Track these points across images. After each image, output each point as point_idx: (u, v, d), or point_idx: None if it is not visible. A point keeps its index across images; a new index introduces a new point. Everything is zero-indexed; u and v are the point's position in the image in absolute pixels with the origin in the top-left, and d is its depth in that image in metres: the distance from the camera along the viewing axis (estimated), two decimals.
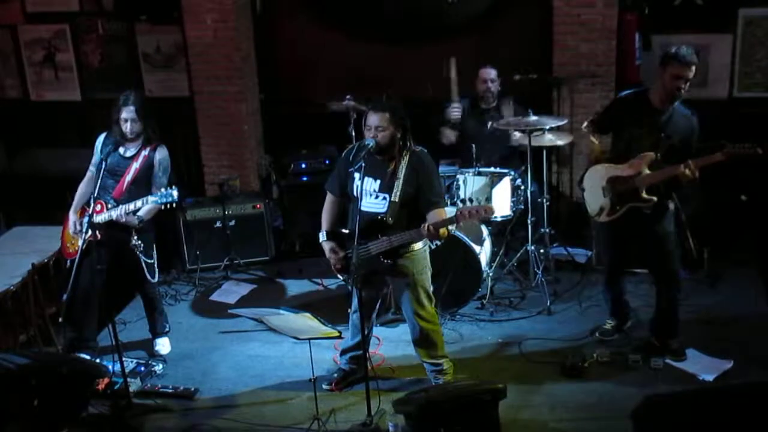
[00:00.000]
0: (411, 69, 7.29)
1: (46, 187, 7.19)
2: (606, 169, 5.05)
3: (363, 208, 4.49)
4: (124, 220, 5.02)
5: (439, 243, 5.54)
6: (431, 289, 4.81)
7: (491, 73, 6.49)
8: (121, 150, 5.16)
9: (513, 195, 6.09)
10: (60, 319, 5.04)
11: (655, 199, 4.89)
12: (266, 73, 7.69)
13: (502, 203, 6.02)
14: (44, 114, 7.82)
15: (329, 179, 4.88)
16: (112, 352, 4.78)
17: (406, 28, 7.27)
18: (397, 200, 4.51)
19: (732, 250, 6.33)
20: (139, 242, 5.17)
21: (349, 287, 4.84)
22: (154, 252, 5.36)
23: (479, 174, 6.00)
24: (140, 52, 7.53)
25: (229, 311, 5.30)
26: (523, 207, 6.12)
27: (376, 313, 5.13)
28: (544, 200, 6.15)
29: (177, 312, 6.14)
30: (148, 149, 5.18)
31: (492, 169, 6.10)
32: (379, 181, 4.57)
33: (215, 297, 6.41)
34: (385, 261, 4.56)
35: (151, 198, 4.92)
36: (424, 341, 4.82)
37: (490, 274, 6.01)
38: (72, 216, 5.25)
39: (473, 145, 6.19)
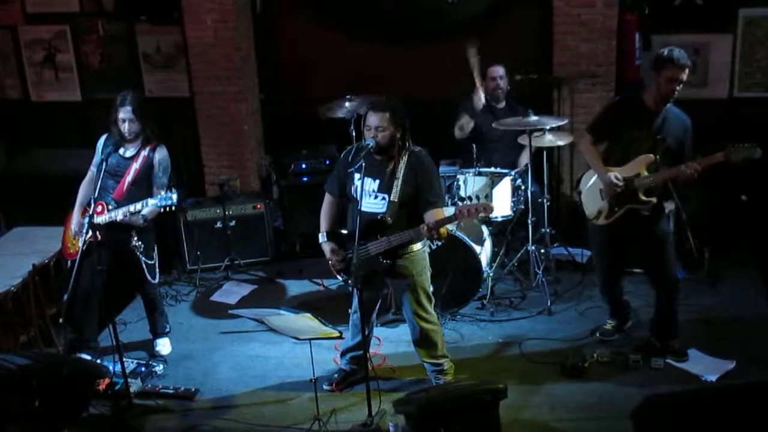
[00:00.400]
0: (411, 69, 7.30)
1: (47, 188, 7.19)
2: None
3: (363, 209, 4.49)
4: (128, 220, 5.02)
5: (439, 243, 5.55)
6: (431, 289, 4.81)
7: (500, 70, 6.49)
8: (121, 150, 5.16)
9: (513, 195, 6.09)
10: (60, 320, 5.04)
11: (654, 200, 4.89)
12: (266, 73, 7.70)
13: (502, 203, 6.02)
14: (44, 114, 7.82)
15: (328, 180, 4.88)
16: (113, 352, 4.78)
17: (406, 28, 7.27)
18: (396, 200, 4.51)
19: (732, 250, 6.33)
20: (140, 243, 5.17)
21: (350, 288, 4.84)
22: (155, 253, 5.36)
23: (479, 174, 6.00)
24: (140, 53, 7.53)
25: (230, 312, 5.31)
26: (523, 207, 6.12)
27: (376, 314, 5.13)
28: (545, 200, 6.15)
29: (177, 312, 6.14)
30: (147, 149, 5.18)
31: (492, 169, 6.10)
32: (378, 181, 4.57)
33: (216, 297, 6.41)
34: (384, 261, 4.56)
35: (150, 201, 4.92)
36: (425, 341, 4.82)
37: (491, 274, 6.02)
38: (75, 216, 5.25)
39: (474, 145, 6.19)
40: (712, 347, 5.19)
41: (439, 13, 7.14)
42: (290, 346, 5.39)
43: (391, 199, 4.52)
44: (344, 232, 4.73)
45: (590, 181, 5.16)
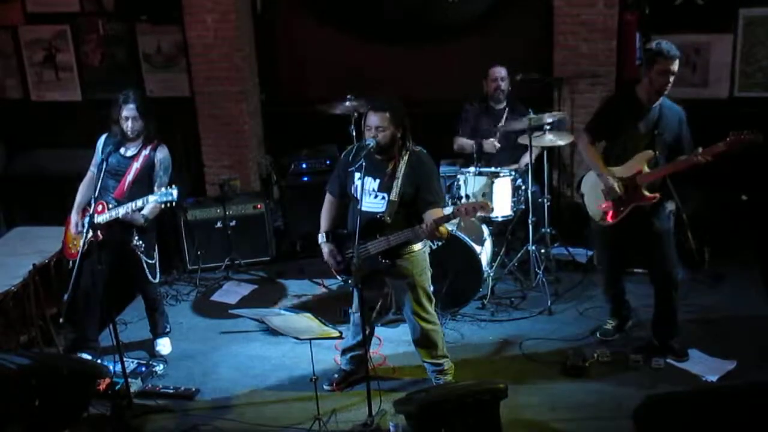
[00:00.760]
0: (411, 69, 7.29)
1: (47, 188, 7.19)
2: None
3: (363, 208, 4.49)
4: (129, 217, 5.02)
5: (440, 243, 5.55)
6: (431, 289, 4.80)
7: (501, 71, 6.47)
8: (122, 150, 5.16)
9: (514, 195, 6.09)
10: (61, 320, 5.02)
11: (658, 195, 4.89)
12: (267, 73, 7.70)
13: (502, 203, 6.02)
14: (45, 114, 7.82)
15: (330, 180, 4.88)
16: (113, 352, 4.79)
17: (406, 28, 7.27)
18: (395, 199, 4.51)
19: (733, 250, 6.33)
20: (141, 243, 5.17)
21: (350, 288, 4.83)
22: (156, 252, 5.36)
23: (480, 174, 6.00)
24: (141, 53, 7.52)
25: (230, 311, 5.30)
26: (523, 207, 6.12)
27: (377, 315, 5.13)
28: (545, 200, 6.15)
29: (178, 312, 6.14)
30: (148, 149, 5.18)
31: (492, 168, 6.10)
32: (378, 181, 4.57)
33: (216, 297, 6.41)
34: (384, 261, 4.56)
35: (151, 197, 4.91)
36: (425, 341, 4.82)
37: (491, 274, 6.01)
38: (74, 216, 5.25)
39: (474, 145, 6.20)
40: (712, 347, 5.19)
41: (439, 12, 7.14)
42: (290, 346, 5.39)
43: (391, 198, 4.52)
44: (344, 231, 4.73)
45: (591, 182, 5.15)
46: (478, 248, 5.73)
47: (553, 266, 6.31)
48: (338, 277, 4.84)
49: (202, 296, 6.45)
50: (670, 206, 5.73)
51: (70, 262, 5.30)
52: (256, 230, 6.89)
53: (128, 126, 5.09)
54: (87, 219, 4.85)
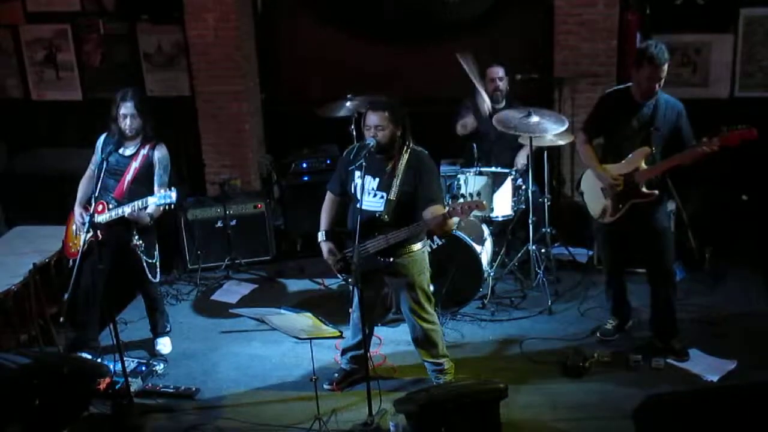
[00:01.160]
0: (411, 68, 7.29)
1: (47, 187, 7.18)
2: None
3: (362, 207, 4.49)
4: (136, 215, 5.01)
5: (440, 242, 5.55)
6: (431, 289, 4.81)
7: (499, 71, 6.46)
8: (121, 149, 5.15)
9: (514, 195, 6.09)
10: (61, 319, 5.04)
11: (656, 192, 4.89)
12: (267, 72, 7.70)
13: (503, 203, 6.02)
14: (45, 113, 7.83)
15: (331, 179, 4.88)
16: (114, 351, 4.78)
17: (407, 27, 7.27)
18: (394, 198, 4.52)
19: (733, 250, 6.33)
20: (141, 242, 5.18)
21: (350, 286, 4.84)
22: (156, 252, 5.36)
23: (480, 174, 6.00)
24: (141, 52, 7.52)
25: (230, 311, 5.29)
26: (524, 207, 6.12)
27: (376, 315, 5.13)
28: (545, 200, 6.14)
29: (178, 311, 6.14)
30: (147, 148, 5.18)
31: (493, 168, 6.10)
32: (377, 180, 4.58)
33: (216, 297, 6.41)
34: (383, 260, 4.56)
35: (150, 199, 4.92)
36: (425, 341, 4.82)
37: (491, 274, 6.02)
38: (77, 209, 5.24)
39: (474, 145, 6.18)
40: (713, 347, 5.19)
41: (439, 12, 7.14)
42: (290, 346, 5.39)
43: (389, 197, 4.53)
44: (344, 230, 4.73)
45: (590, 181, 5.16)
46: (478, 248, 5.73)
47: (554, 266, 6.31)
48: (338, 275, 4.84)
49: (203, 295, 6.45)
50: (671, 206, 5.74)
51: (71, 261, 5.30)
52: (257, 230, 6.89)
53: (126, 124, 5.09)
54: (87, 218, 4.86)
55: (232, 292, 6.47)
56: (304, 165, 7.07)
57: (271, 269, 6.81)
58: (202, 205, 6.89)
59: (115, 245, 5.14)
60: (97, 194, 4.85)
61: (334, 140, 7.12)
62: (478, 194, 5.91)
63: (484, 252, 5.84)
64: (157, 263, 5.37)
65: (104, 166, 4.92)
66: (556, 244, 6.49)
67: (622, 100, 4.92)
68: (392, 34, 7.30)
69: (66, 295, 4.98)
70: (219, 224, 6.79)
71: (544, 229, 6.20)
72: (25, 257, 5.54)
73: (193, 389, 5.07)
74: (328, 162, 6.98)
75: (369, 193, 4.58)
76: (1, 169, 7.75)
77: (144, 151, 5.17)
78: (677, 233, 6.07)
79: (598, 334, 5.46)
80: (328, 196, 4.86)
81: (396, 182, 4.52)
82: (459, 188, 5.98)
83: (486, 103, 6.32)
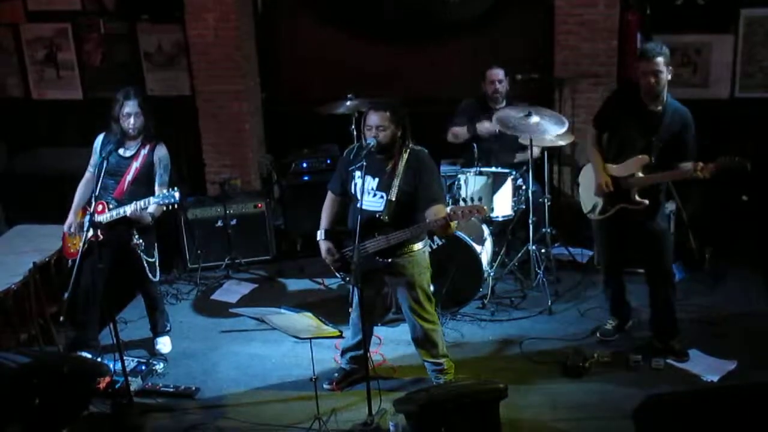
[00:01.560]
0: (411, 68, 7.29)
1: (48, 186, 7.18)
2: None
3: (362, 207, 4.49)
4: (138, 215, 5.01)
5: (440, 242, 5.55)
6: (431, 289, 4.81)
7: (499, 73, 6.44)
8: (120, 150, 5.15)
9: (514, 195, 6.08)
10: (61, 319, 5.04)
11: (646, 202, 4.90)
12: (267, 72, 7.70)
13: (503, 203, 6.02)
14: (46, 113, 7.83)
15: (331, 179, 4.89)
16: (113, 351, 4.79)
17: (407, 27, 7.27)
18: (393, 198, 4.52)
19: (733, 250, 6.33)
20: (141, 241, 5.18)
21: (349, 286, 4.84)
22: (156, 251, 5.36)
23: (480, 174, 5.99)
24: (142, 51, 7.52)
25: (230, 310, 5.31)
26: (524, 207, 6.12)
27: (376, 315, 5.14)
28: (546, 200, 6.14)
29: (178, 311, 6.14)
30: (147, 148, 5.18)
31: (493, 168, 6.09)
32: (377, 180, 4.58)
33: (216, 296, 6.41)
34: (382, 260, 4.56)
35: (152, 199, 4.92)
36: (425, 341, 4.82)
37: (491, 274, 6.01)
38: (71, 217, 5.25)
39: (474, 145, 6.18)
40: (712, 347, 5.19)
41: (440, 12, 7.14)
42: (290, 345, 5.39)
43: (389, 197, 4.53)
44: (343, 229, 4.73)
45: (588, 175, 5.18)
46: (478, 248, 5.73)
47: (554, 266, 6.31)
48: (337, 275, 4.84)
49: (203, 295, 6.45)
50: (671, 206, 5.75)
51: (70, 261, 5.30)
52: (257, 229, 6.89)
53: (130, 123, 5.09)
54: (87, 218, 4.85)
55: (232, 291, 6.47)
56: (305, 165, 7.07)
57: (271, 269, 6.81)
58: (203, 204, 6.89)
59: (115, 245, 5.14)
60: (96, 194, 4.84)
61: (335, 140, 7.12)
62: (480, 199, 5.89)
63: (484, 252, 5.84)
64: (157, 262, 5.37)
65: (104, 166, 4.91)
66: (556, 244, 6.50)
67: (629, 101, 4.91)
68: (392, 34, 7.29)
69: (66, 295, 4.98)
70: (219, 224, 6.79)
71: (544, 229, 6.20)
72: (25, 256, 5.54)
73: (193, 389, 5.07)
74: (329, 162, 6.99)
75: (369, 193, 4.58)
76: (1, 168, 7.75)
77: (144, 151, 5.17)
78: (677, 233, 6.07)
79: (598, 335, 5.46)
80: (329, 196, 4.86)
81: (396, 182, 4.52)
82: (459, 189, 5.98)
83: (485, 126, 6.30)
